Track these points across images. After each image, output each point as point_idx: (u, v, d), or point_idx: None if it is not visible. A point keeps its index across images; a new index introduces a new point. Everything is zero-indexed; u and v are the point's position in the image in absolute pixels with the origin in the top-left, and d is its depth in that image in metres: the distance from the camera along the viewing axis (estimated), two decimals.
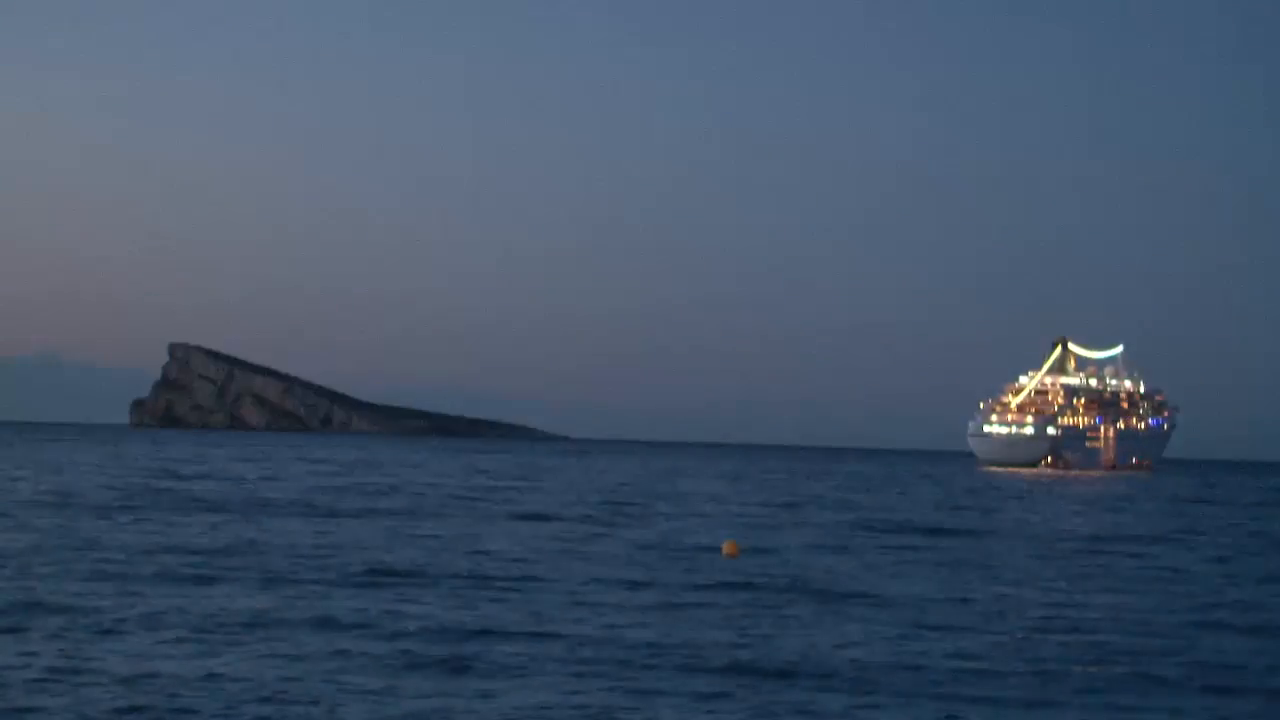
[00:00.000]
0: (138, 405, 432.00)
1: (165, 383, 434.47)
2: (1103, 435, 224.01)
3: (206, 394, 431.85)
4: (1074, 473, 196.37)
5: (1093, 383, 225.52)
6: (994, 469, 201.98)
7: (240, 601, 27.60)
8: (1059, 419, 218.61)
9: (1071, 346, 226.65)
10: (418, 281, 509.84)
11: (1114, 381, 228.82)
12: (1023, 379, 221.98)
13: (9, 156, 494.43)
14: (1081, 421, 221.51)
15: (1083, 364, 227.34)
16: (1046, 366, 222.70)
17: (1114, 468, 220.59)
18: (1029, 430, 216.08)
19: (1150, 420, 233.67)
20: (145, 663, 20.61)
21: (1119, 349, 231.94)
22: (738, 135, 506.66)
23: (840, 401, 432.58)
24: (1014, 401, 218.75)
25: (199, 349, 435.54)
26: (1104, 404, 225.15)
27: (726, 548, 44.12)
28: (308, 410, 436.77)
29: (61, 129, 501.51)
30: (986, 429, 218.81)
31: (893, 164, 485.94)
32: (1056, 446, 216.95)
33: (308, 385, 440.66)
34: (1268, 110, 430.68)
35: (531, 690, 19.31)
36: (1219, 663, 23.90)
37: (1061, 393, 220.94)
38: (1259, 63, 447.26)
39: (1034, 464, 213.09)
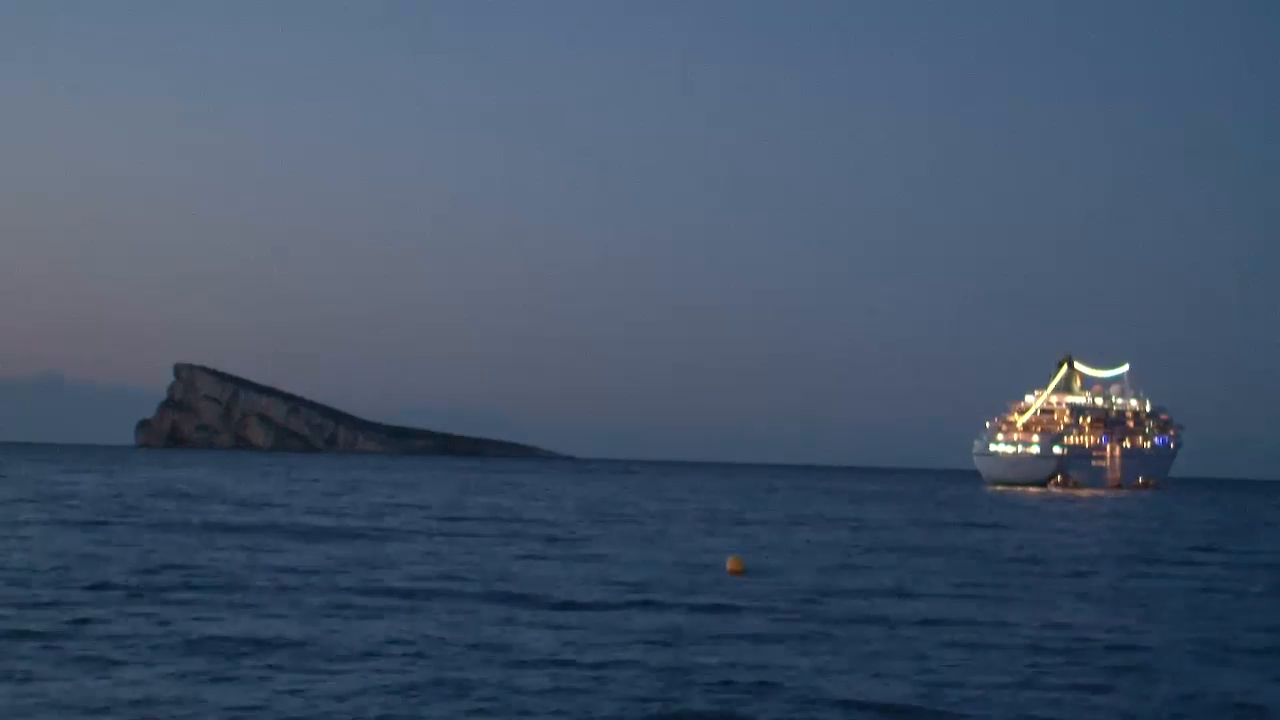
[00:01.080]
0: (143, 426, 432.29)
1: (170, 403, 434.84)
2: (1108, 454, 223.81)
3: (212, 414, 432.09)
4: (1086, 492, 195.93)
5: (1098, 401, 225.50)
6: (1000, 488, 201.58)
7: (271, 626, 27.31)
8: (1065, 438, 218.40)
9: (1077, 365, 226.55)
10: (422, 299, 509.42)
11: (1120, 400, 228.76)
12: (1029, 398, 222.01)
13: (11, 174, 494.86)
14: (1087, 440, 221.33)
15: (1088, 383, 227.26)
16: (1052, 385, 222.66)
17: (1119, 487, 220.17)
18: (1035, 449, 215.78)
19: (1156, 439, 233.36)
20: (173, 690, 20.23)
21: (1125, 368, 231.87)
22: (741, 146, 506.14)
23: (845, 421, 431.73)
24: (1020, 420, 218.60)
25: (204, 369, 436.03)
26: (1110, 423, 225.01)
27: (731, 564, 43.92)
28: (313, 430, 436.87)
29: (64, 147, 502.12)
30: (992, 448, 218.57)
31: (900, 182, 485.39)
32: (1062, 465, 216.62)
33: (313, 405, 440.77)
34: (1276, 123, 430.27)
35: None
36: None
37: (1067, 412, 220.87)
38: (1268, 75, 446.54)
39: (1040, 483, 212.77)
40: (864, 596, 36.35)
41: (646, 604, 32.80)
